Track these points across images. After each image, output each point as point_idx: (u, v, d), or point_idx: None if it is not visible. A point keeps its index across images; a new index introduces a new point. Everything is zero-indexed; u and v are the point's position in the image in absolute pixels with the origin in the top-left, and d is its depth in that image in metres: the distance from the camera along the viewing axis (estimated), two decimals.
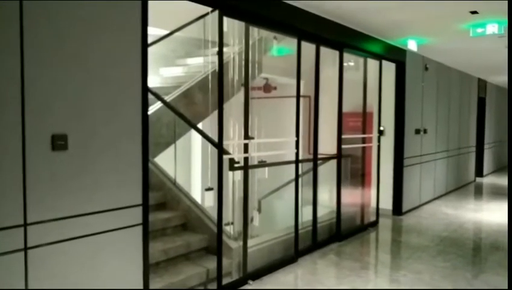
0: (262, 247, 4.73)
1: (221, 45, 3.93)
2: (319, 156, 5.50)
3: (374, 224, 6.75)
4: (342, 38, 5.67)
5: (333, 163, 5.82)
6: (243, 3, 4.20)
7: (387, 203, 7.54)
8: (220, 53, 3.92)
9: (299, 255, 5.08)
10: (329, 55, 5.72)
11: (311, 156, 5.47)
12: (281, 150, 5.18)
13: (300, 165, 5.25)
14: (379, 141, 6.70)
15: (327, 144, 5.70)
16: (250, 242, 4.52)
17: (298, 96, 5.05)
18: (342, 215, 5.96)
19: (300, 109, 5.07)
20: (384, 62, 6.99)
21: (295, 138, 5.01)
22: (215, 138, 4.39)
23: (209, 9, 5.07)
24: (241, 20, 4.40)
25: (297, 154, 5.04)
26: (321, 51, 5.39)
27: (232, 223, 4.53)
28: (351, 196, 6.79)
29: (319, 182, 5.50)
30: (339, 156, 5.76)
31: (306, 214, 5.45)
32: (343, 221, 5.95)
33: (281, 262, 4.84)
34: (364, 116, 6.54)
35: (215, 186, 4.05)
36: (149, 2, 3.16)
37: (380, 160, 7.14)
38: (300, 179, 5.39)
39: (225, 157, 4.10)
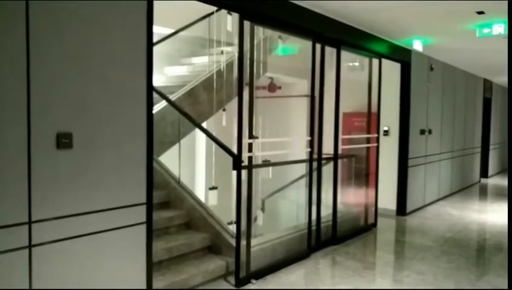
0: (265, 246, 4.73)
1: (241, 47, 4.16)
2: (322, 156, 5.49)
3: (373, 226, 6.59)
4: (340, 35, 5.55)
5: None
6: (262, 8, 4.33)
7: (391, 203, 7.52)
8: (241, 58, 4.16)
9: (301, 258, 5.08)
10: (333, 55, 5.69)
11: (315, 156, 5.45)
12: (287, 149, 5.19)
13: (304, 165, 5.25)
14: (378, 141, 6.60)
15: (330, 144, 5.67)
16: (253, 241, 4.52)
17: (313, 96, 5.15)
18: (344, 217, 5.93)
19: (304, 109, 5.07)
20: (389, 62, 6.97)
21: (309, 138, 5.12)
22: (220, 138, 4.41)
23: (214, 8, 5.09)
24: (260, 24, 4.59)
25: (311, 153, 5.13)
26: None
27: (236, 223, 4.53)
28: (353, 197, 6.76)
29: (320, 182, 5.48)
30: (335, 157, 5.62)
31: (301, 215, 5.47)
32: (344, 222, 5.90)
33: (293, 258, 4.92)
34: (369, 116, 6.52)
35: (220, 187, 4.07)
36: (155, 2, 3.16)
37: (383, 160, 7.12)
38: (304, 179, 5.39)
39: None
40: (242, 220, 4.22)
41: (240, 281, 4.19)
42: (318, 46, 5.26)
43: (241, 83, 4.19)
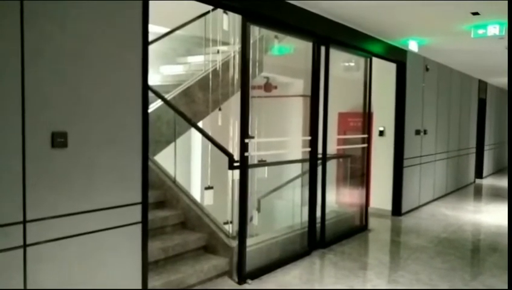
0: (261, 246, 4.72)
1: (244, 49, 4.24)
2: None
3: (365, 228, 6.49)
4: (328, 33, 5.43)
5: (331, 163, 5.77)
6: (266, 10, 4.39)
7: (387, 204, 7.54)
8: (244, 59, 4.28)
9: (300, 257, 5.08)
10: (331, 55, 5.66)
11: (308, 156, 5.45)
12: (283, 149, 5.19)
13: (300, 165, 5.25)
14: (368, 142, 6.52)
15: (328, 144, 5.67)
16: (249, 241, 4.51)
17: (315, 97, 5.21)
18: (333, 219, 5.91)
19: (300, 109, 5.07)
20: (385, 62, 6.98)
21: (309, 137, 5.21)
22: (216, 137, 4.39)
23: (210, 7, 5.08)
24: (263, 26, 4.72)
25: (312, 152, 5.20)
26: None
27: (231, 222, 4.53)
28: (344, 198, 6.73)
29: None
30: (324, 158, 5.49)
31: (297, 215, 5.47)
32: (334, 224, 5.87)
33: (295, 256, 5.00)
34: (364, 116, 6.51)
35: (216, 187, 4.06)
36: (150, 1, 3.15)
37: (379, 160, 7.13)
38: (298, 179, 5.39)
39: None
40: (236, 220, 4.22)
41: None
42: (323, 48, 5.31)
43: (245, 84, 4.24)
